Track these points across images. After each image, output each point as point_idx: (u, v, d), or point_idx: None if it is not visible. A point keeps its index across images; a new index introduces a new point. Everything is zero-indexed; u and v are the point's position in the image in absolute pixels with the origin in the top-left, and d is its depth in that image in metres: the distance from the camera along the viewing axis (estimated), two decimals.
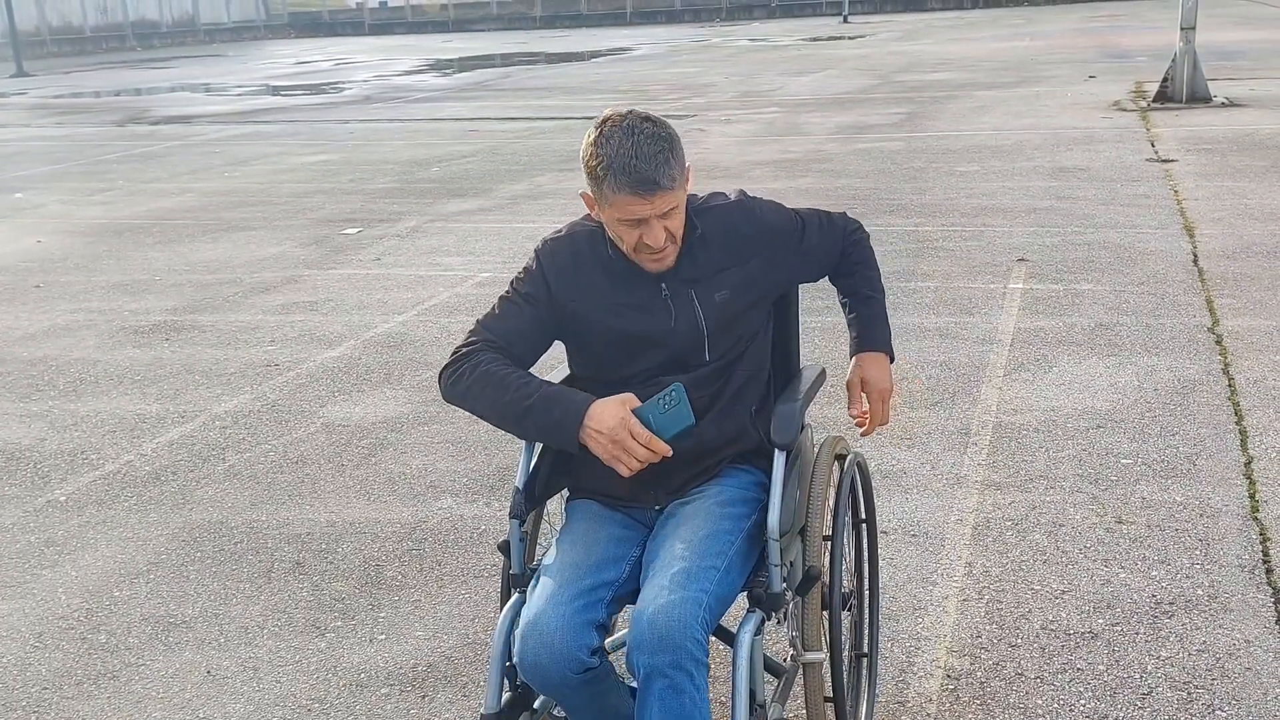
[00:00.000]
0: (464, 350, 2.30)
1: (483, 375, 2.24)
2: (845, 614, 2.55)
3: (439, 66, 25.57)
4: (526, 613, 2.15)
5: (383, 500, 4.09)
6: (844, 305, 2.58)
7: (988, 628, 3.14)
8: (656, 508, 2.36)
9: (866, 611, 2.74)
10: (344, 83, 22.18)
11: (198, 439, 4.73)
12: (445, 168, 11.35)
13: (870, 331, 2.54)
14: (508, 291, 2.40)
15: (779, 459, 2.26)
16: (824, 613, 2.38)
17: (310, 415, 4.93)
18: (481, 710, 2.22)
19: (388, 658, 3.13)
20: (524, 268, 2.42)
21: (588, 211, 2.40)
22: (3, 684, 3.10)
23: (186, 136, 14.89)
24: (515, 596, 2.30)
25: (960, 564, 3.47)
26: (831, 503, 2.45)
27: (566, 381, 2.43)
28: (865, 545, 2.71)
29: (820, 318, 5.70)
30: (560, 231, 2.45)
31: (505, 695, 2.23)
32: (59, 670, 3.15)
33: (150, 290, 7.09)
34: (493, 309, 2.39)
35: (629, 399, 2.18)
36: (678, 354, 2.36)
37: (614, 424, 2.15)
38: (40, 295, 7.10)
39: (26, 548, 3.86)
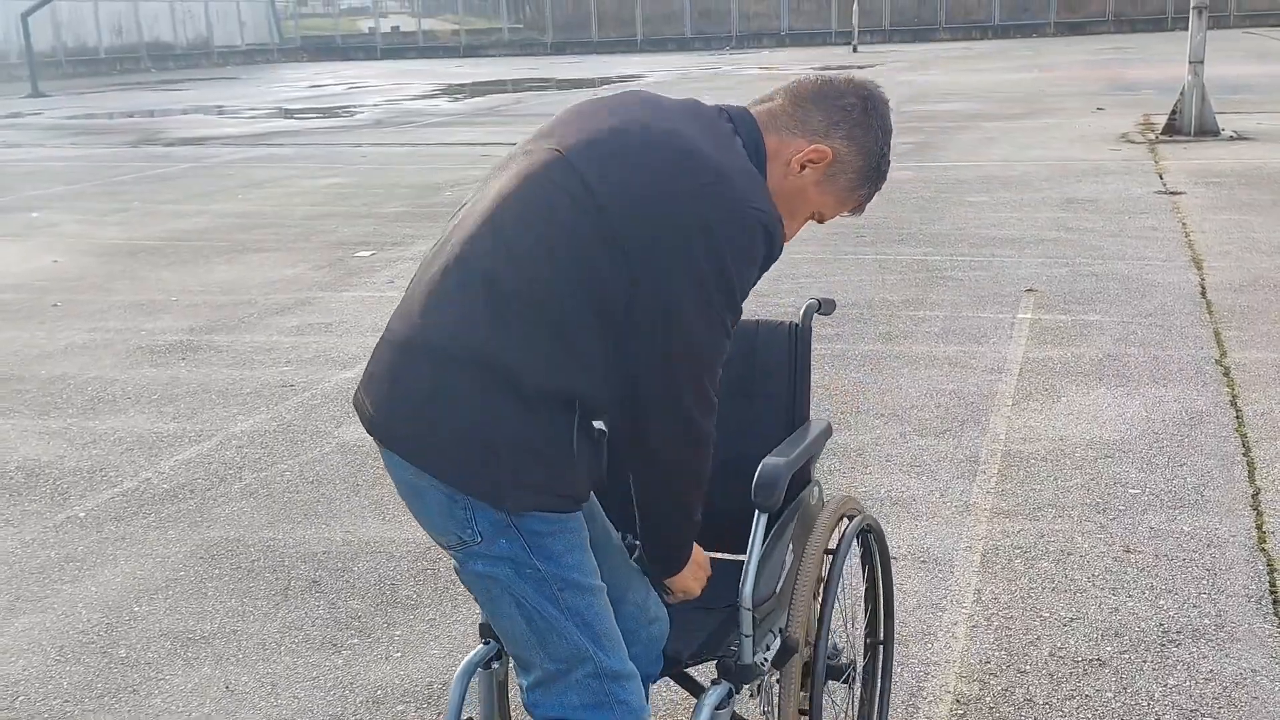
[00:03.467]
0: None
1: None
2: (842, 685, 2.40)
3: (450, 91, 25.74)
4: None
5: (397, 520, 4.13)
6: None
7: (997, 654, 3.17)
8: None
9: (877, 688, 2.61)
10: (356, 106, 22.33)
11: (215, 458, 4.78)
12: (457, 192, 11.42)
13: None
14: (730, 316, 1.86)
15: (759, 521, 2.05)
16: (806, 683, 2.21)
17: (325, 435, 4.98)
18: None
19: (403, 675, 3.17)
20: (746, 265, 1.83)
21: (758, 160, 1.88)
22: (25, 697, 3.14)
23: (201, 158, 15.00)
24: (481, 648, 2.17)
25: (969, 590, 3.51)
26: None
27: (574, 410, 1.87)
28: (881, 615, 2.56)
29: (829, 345, 5.75)
30: (767, 206, 1.85)
31: None
32: (79, 684, 3.19)
33: (166, 310, 7.17)
34: (720, 338, 1.87)
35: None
36: None
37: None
38: (58, 314, 7.18)
39: (47, 563, 3.91)
